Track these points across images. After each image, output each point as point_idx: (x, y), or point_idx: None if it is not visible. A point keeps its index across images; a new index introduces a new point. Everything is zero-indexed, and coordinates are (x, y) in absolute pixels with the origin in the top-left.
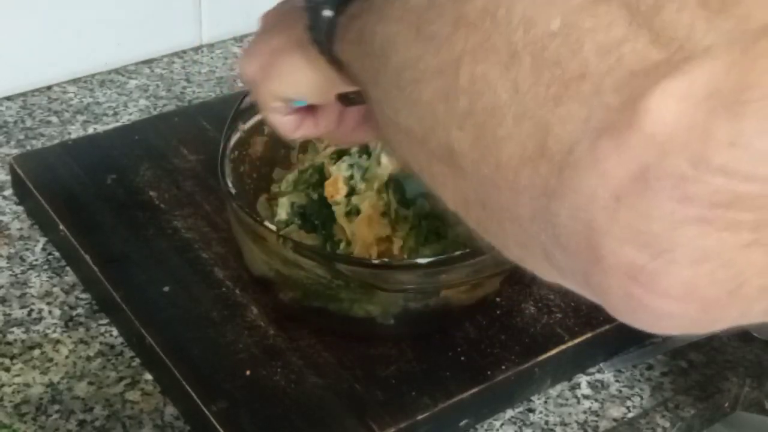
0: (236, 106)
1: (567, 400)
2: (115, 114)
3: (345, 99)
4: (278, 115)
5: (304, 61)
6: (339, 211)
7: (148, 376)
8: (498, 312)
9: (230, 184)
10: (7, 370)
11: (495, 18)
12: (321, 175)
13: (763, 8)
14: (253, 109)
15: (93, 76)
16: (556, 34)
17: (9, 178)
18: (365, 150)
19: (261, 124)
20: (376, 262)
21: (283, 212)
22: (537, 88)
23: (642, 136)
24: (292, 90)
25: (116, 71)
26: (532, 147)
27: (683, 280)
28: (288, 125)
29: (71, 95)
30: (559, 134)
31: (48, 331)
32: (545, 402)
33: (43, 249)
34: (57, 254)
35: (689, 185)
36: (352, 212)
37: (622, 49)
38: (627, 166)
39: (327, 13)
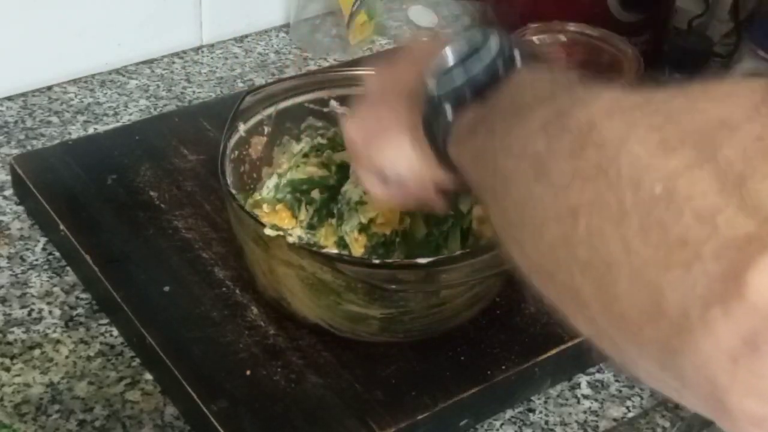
0: (236, 107)
1: (567, 400)
2: (116, 114)
3: (446, 195)
4: (372, 179)
5: (411, 145)
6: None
7: (148, 376)
8: (498, 312)
9: (230, 184)
10: (7, 370)
11: (607, 176)
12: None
13: None
14: (253, 109)
15: (93, 76)
16: (659, 198)
17: (9, 178)
18: None
19: (261, 124)
20: (376, 262)
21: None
22: (646, 249)
23: (748, 306)
24: (392, 167)
25: (116, 71)
26: (650, 306)
27: None
28: (379, 190)
29: (71, 95)
30: (672, 298)
31: (48, 331)
32: (545, 402)
33: (44, 249)
34: (57, 254)
35: None
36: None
37: (717, 218)
38: (737, 332)
39: (448, 114)
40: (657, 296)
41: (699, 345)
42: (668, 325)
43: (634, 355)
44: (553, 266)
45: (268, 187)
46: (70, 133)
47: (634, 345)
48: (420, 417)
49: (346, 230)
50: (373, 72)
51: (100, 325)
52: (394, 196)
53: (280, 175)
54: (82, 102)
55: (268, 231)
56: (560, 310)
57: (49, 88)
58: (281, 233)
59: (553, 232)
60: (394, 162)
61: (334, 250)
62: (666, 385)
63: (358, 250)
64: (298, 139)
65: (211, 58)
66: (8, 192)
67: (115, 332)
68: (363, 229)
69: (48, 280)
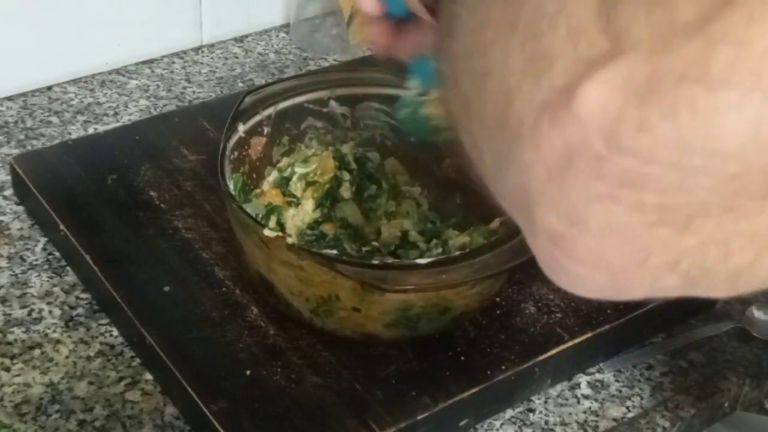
0: (236, 107)
1: (567, 400)
2: (116, 114)
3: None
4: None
5: None
6: None
7: (148, 376)
8: (498, 312)
9: (230, 185)
10: (7, 370)
11: None
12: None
13: (688, 5)
14: (252, 109)
15: (93, 76)
16: (547, 14)
17: (9, 178)
18: None
19: (260, 124)
20: (376, 262)
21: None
22: (517, 58)
23: (571, 117)
24: None
25: (116, 71)
26: (501, 112)
27: (593, 249)
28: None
29: (71, 95)
30: (517, 105)
31: (48, 331)
32: (545, 402)
33: (44, 249)
34: (57, 254)
35: (602, 164)
36: None
37: (581, 36)
38: (557, 144)
39: None
40: (508, 104)
41: (523, 153)
42: (509, 133)
43: (489, 165)
44: (456, 73)
45: (269, 182)
46: (70, 133)
47: (489, 152)
48: (420, 417)
49: (294, 187)
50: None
51: (100, 325)
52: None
53: (280, 170)
54: (82, 102)
55: (267, 232)
56: (454, 119)
57: (49, 88)
58: (280, 234)
59: (465, 42)
60: None
61: (333, 251)
62: (504, 199)
63: (307, 205)
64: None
65: (211, 58)
66: (8, 192)
67: (115, 332)
68: (304, 179)
69: (48, 280)
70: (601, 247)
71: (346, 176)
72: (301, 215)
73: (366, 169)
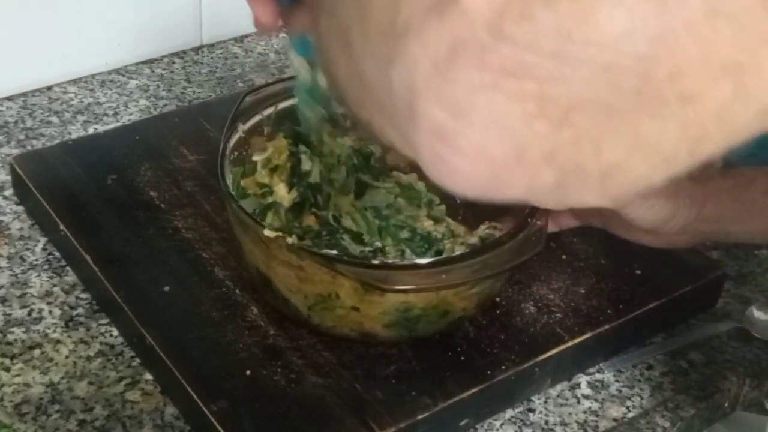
0: (236, 107)
1: (567, 400)
2: (116, 114)
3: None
4: None
5: None
6: None
7: (148, 376)
8: (498, 312)
9: (230, 185)
10: (7, 370)
11: None
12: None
13: None
14: (252, 109)
15: (93, 76)
16: None
17: (9, 178)
18: None
19: (260, 124)
20: (376, 262)
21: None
22: None
23: (458, 10)
24: None
25: (116, 71)
26: (387, 21)
27: (475, 140)
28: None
29: (71, 95)
30: (404, 9)
31: (48, 331)
32: (545, 402)
33: (44, 249)
34: (57, 254)
35: (486, 53)
36: None
37: None
38: (444, 36)
39: None
40: (394, 9)
41: (408, 50)
42: (393, 37)
43: (368, 89)
44: (335, 4)
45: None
46: (70, 133)
47: (369, 69)
48: (420, 417)
49: (260, 176)
50: None
51: (100, 325)
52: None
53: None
54: (82, 102)
55: (267, 232)
56: (331, 54)
57: (49, 88)
58: (280, 234)
59: None
60: None
61: (333, 251)
62: (385, 113)
63: (281, 190)
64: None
65: (211, 58)
66: (8, 192)
67: (115, 332)
68: (267, 166)
69: (48, 280)
70: (483, 138)
71: (303, 148)
72: (281, 201)
73: (369, 162)
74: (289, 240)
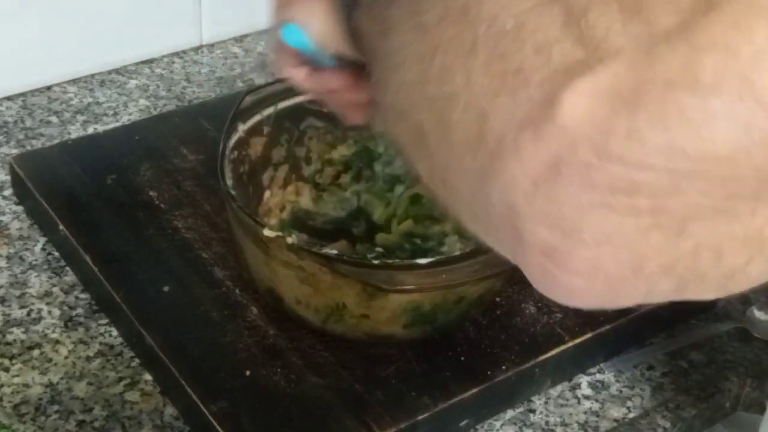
0: (236, 107)
1: (567, 400)
2: (115, 114)
3: (341, 60)
4: (287, 54)
5: (324, 6)
6: None
7: (148, 376)
8: (498, 312)
9: (230, 185)
10: (7, 370)
11: (469, 14)
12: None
13: (668, 14)
14: (252, 109)
15: (93, 76)
16: (508, 32)
17: (9, 178)
18: None
19: (260, 124)
20: (376, 262)
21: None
22: (485, 79)
23: (556, 128)
24: (301, 21)
25: (116, 71)
26: (474, 134)
27: (588, 258)
28: (292, 67)
29: (71, 95)
30: (493, 124)
31: (47, 331)
32: (545, 402)
33: (43, 249)
34: (57, 254)
35: (593, 173)
36: None
37: (553, 48)
38: (543, 155)
39: None
40: (482, 123)
41: (506, 168)
42: (485, 152)
43: (458, 195)
44: (408, 107)
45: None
46: (69, 133)
47: (457, 179)
48: (420, 417)
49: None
50: None
51: (99, 325)
52: (310, 75)
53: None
54: (82, 102)
55: (267, 232)
56: (406, 151)
57: (49, 88)
58: (280, 234)
59: (414, 71)
60: (305, 21)
61: (333, 251)
62: (478, 222)
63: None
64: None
65: (211, 58)
66: (8, 192)
67: (115, 332)
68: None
69: (47, 280)
70: (597, 256)
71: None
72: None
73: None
74: (289, 240)
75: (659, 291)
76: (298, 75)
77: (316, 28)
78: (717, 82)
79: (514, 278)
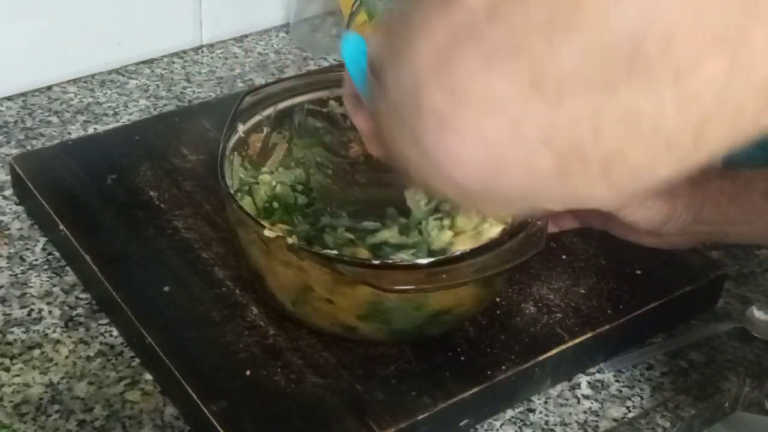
0: (235, 107)
1: (567, 400)
2: (115, 114)
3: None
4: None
5: None
6: None
7: (148, 376)
8: (498, 312)
9: (230, 185)
10: (7, 370)
11: None
12: None
13: None
14: (252, 109)
15: (93, 76)
16: None
17: (9, 178)
18: None
19: (260, 124)
20: (376, 262)
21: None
22: None
23: (459, 3)
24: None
25: (116, 71)
26: (404, 31)
27: (470, 120)
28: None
29: (71, 95)
30: (414, 10)
31: (48, 331)
32: (545, 402)
33: (43, 249)
34: (57, 254)
35: (483, 35)
36: None
37: None
38: (445, 24)
39: None
40: (406, 14)
41: (414, 42)
42: (402, 37)
43: (389, 97)
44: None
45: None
46: (69, 133)
47: (390, 76)
48: (420, 417)
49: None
50: None
51: (100, 325)
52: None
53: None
54: (82, 102)
55: (267, 232)
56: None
57: (49, 88)
58: (280, 234)
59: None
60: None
61: (333, 252)
62: (398, 121)
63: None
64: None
65: (211, 58)
66: (8, 192)
67: (115, 332)
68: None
69: (48, 280)
70: (478, 118)
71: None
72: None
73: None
74: (290, 240)
75: (540, 167)
76: (365, 125)
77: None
78: None
79: (514, 278)
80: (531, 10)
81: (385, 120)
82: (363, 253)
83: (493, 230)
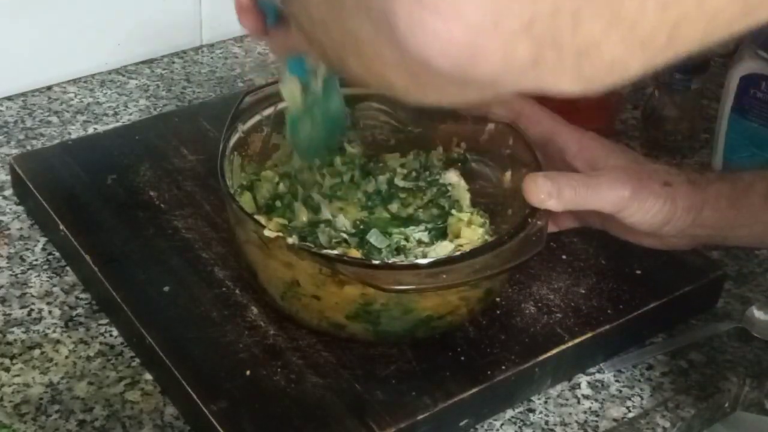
0: (235, 107)
1: (567, 400)
2: (115, 114)
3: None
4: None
5: None
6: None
7: (148, 376)
8: (498, 312)
9: (230, 185)
10: (7, 370)
11: None
12: None
13: None
14: (252, 109)
15: (93, 76)
16: None
17: (9, 178)
18: None
19: (260, 124)
20: (376, 262)
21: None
22: None
23: None
24: None
25: (116, 71)
26: None
27: (454, 1)
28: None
29: (71, 95)
30: None
31: (48, 331)
32: (545, 402)
33: (43, 249)
34: (57, 254)
35: None
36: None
37: None
38: None
39: None
40: None
41: None
42: None
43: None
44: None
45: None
46: (69, 133)
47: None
48: (420, 417)
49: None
50: None
51: (100, 325)
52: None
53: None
54: (82, 102)
55: (267, 232)
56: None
57: (49, 88)
58: (280, 234)
59: None
60: None
61: (334, 252)
62: (358, 17)
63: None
64: None
65: (211, 58)
66: (8, 192)
67: (115, 332)
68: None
69: (48, 280)
70: (462, 1)
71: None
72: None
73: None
74: (290, 240)
75: (517, 56)
76: (250, 24)
77: None
78: None
79: (514, 278)
80: None
81: None
82: (354, 253)
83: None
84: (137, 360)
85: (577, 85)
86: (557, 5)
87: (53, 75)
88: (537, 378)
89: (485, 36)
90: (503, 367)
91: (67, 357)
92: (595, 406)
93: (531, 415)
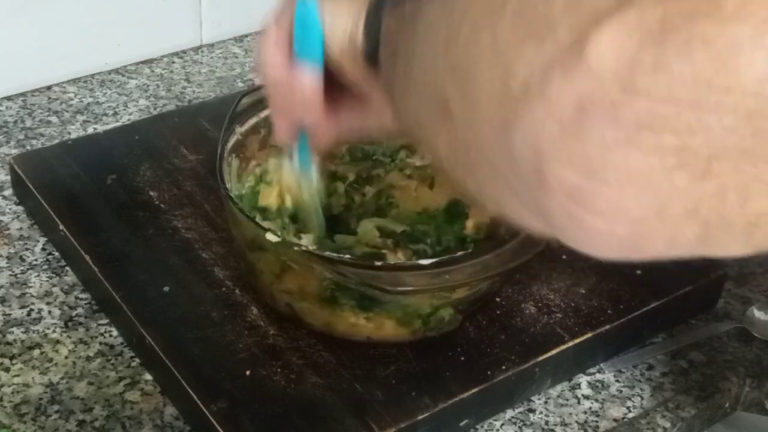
0: (232, 109)
1: (567, 400)
2: (115, 114)
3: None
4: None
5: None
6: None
7: (148, 376)
8: (498, 312)
9: (229, 188)
10: (7, 370)
11: None
12: None
13: None
14: (249, 111)
15: (93, 76)
16: None
17: (9, 178)
18: None
19: (258, 125)
20: (378, 263)
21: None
22: (510, 33)
23: (583, 68)
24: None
25: (116, 71)
26: (499, 85)
27: (613, 200)
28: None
29: (71, 95)
30: (518, 70)
31: (48, 331)
32: (545, 402)
33: (43, 249)
34: (57, 254)
35: (619, 109)
36: None
37: (583, 1)
38: (570, 95)
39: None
40: (507, 73)
41: (532, 111)
42: (509, 99)
43: (480, 156)
44: (431, 78)
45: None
46: (69, 133)
47: (481, 135)
48: (420, 417)
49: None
50: None
51: (99, 325)
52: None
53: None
54: (82, 102)
55: (269, 236)
56: (428, 136)
57: (49, 87)
58: (282, 238)
59: (439, 39)
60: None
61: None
62: (501, 180)
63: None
64: None
65: (211, 57)
66: (8, 192)
67: (115, 332)
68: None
69: (47, 280)
70: (621, 197)
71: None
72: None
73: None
74: (297, 247)
75: (683, 238)
76: (273, 55)
77: (336, 21)
78: (740, 9)
79: (514, 278)
80: (676, 83)
81: (451, 149)
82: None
83: None
84: (137, 360)
85: (747, 250)
86: (722, 185)
87: (53, 75)
88: (537, 378)
89: (650, 227)
90: (503, 367)
91: (66, 357)
92: (596, 406)
93: (531, 415)
